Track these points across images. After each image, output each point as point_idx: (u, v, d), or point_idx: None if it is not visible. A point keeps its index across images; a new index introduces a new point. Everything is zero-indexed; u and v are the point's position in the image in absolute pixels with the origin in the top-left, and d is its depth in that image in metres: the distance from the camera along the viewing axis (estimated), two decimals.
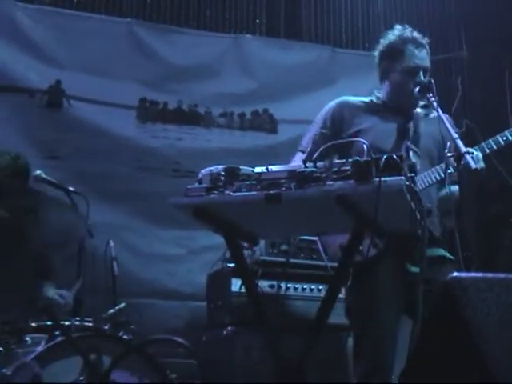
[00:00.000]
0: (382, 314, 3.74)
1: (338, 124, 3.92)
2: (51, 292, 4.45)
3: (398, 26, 4.13)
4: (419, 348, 2.43)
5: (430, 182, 3.85)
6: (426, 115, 4.07)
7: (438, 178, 3.83)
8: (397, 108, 4.04)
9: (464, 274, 2.28)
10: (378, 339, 3.70)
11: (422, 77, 3.93)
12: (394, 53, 4.04)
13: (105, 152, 6.56)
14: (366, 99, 4.13)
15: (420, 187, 3.79)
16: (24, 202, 3.82)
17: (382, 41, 4.14)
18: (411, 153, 3.94)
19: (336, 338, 4.79)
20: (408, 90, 3.93)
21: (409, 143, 3.97)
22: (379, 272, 3.74)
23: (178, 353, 3.95)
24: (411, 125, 4.01)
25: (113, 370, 3.16)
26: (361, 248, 3.47)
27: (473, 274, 2.29)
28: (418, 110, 4.06)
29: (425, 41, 4.06)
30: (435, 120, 3.86)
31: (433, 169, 3.85)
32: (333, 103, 4.10)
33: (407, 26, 4.14)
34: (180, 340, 3.48)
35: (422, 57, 4.01)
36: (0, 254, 4.22)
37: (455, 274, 2.26)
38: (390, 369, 3.65)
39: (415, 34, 4.07)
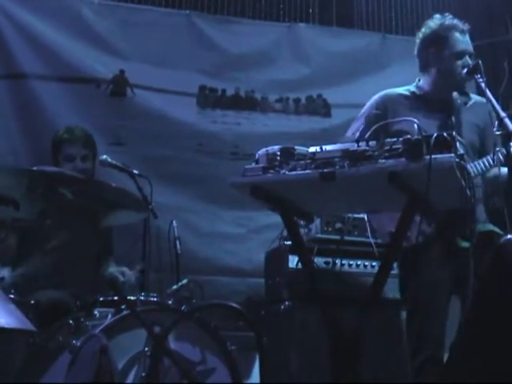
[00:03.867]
0: (433, 293, 3.71)
1: (383, 118, 3.82)
2: (112, 268, 4.49)
3: (436, 15, 4.07)
4: (473, 311, 2.40)
5: (481, 172, 3.78)
6: (465, 104, 4.00)
7: (488, 167, 3.76)
8: (440, 99, 3.98)
9: None
10: (428, 316, 3.67)
11: (468, 61, 3.87)
12: (439, 40, 3.98)
13: (167, 137, 6.60)
14: (407, 92, 4.06)
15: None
16: (89, 186, 3.83)
17: (422, 30, 4.07)
18: (457, 144, 3.88)
19: (391, 312, 4.75)
20: (458, 74, 3.87)
21: (454, 133, 3.92)
22: (429, 254, 3.71)
23: (237, 326, 3.96)
24: (454, 116, 3.94)
25: (167, 337, 3.18)
26: (408, 234, 3.44)
27: None
28: (457, 98, 4.01)
29: (466, 27, 4.00)
30: (474, 107, 3.81)
31: (483, 159, 3.78)
32: (375, 97, 4.05)
33: (447, 14, 4.08)
34: (233, 305, 3.48)
35: (467, 41, 3.96)
36: (68, 233, 4.26)
37: (509, 236, 2.24)
38: (441, 345, 3.62)
39: (456, 20, 4.00)
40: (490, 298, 2.26)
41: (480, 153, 3.91)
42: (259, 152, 2.83)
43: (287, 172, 2.72)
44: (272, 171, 2.75)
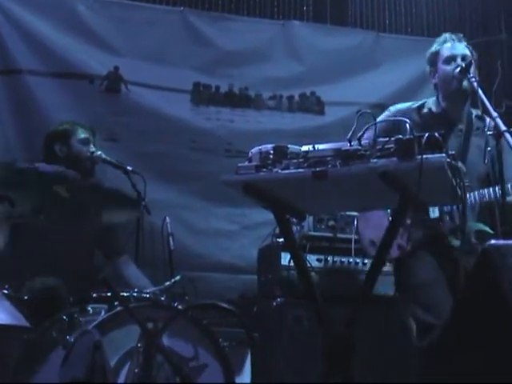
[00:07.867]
0: (430, 288, 3.74)
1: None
2: (131, 271, 4.58)
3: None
4: (458, 311, 2.42)
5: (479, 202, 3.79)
6: (478, 128, 4.00)
7: (488, 199, 3.76)
8: (449, 117, 3.98)
9: (501, 242, 2.28)
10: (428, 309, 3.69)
11: (460, 62, 3.90)
12: (433, 56, 4.06)
13: (161, 134, 6.61)
14: (425, 109, 4.08)
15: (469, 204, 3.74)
16: (86, 182, 3.84)
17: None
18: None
19: (384, 310, 4.76)
20: (450, 75, 3.89)
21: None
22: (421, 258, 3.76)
23: (229, 322, 3.97)
24: (460, 138, 3.94)
25: (162, 335, 3.20)
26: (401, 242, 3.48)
27: (510, 242, 2.29)
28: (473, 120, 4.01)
29: (458, 36, 4.04)
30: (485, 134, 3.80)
31: (487, 190, 3.77)
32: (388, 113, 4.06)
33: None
34: (225, 305, 3.50)
35: (455, 47, 4.00)
36: (63, 231, 4.27)
37: (493, 241, 2.26)
38: None
39: (448, 35, 4.06)
40: (473, 302, 2.28)
41: (482, 180, 3.93)
42: (252, 150, 2.84)
43: (280, 170, 2.73)
44: (265, 169, 2.75)
